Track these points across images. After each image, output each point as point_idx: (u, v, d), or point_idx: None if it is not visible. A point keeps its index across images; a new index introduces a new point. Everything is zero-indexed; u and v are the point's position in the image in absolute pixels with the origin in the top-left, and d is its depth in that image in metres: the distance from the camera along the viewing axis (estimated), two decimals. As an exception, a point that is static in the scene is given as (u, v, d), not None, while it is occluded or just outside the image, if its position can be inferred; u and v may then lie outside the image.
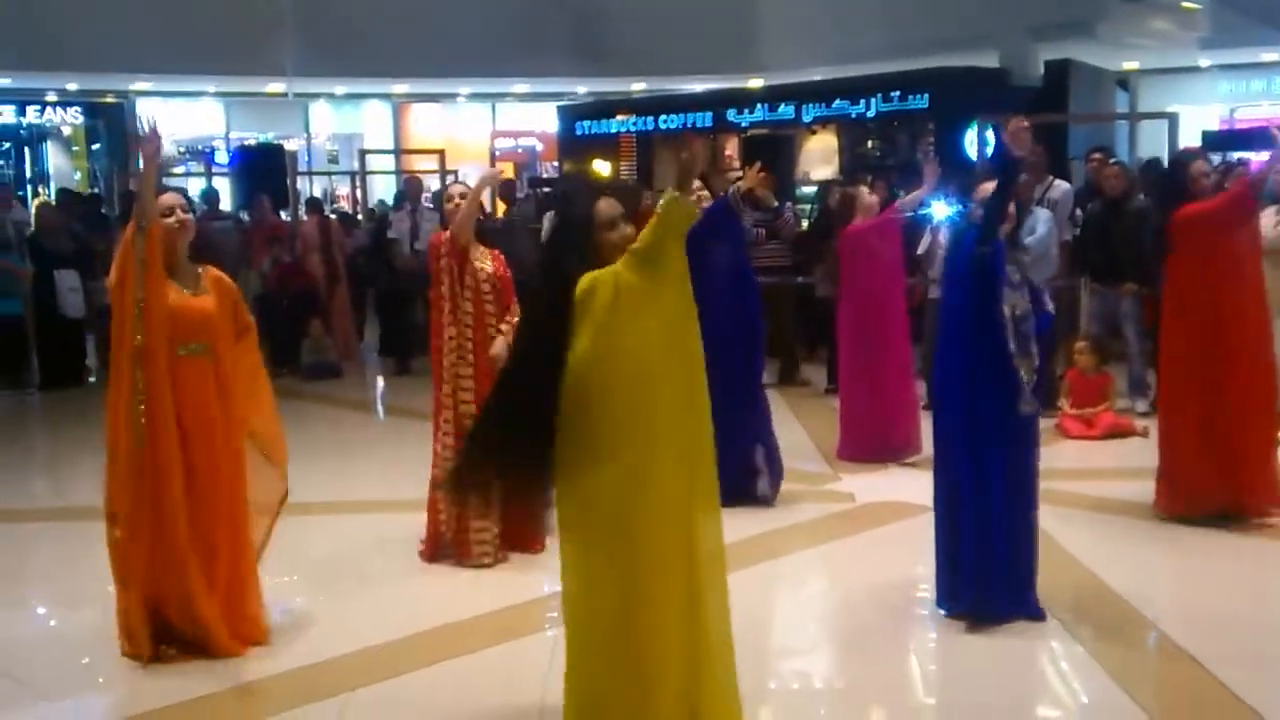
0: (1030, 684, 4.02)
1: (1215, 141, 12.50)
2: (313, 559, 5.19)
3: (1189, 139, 12.44)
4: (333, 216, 12.82)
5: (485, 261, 5.09)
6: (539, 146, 21.41)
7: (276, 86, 18.56)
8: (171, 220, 4.06)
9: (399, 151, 19.18)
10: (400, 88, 20.57)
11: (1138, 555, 5.16)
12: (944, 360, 4.45)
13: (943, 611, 4.33)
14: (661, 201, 3.00)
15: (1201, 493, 5.37)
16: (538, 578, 4.77)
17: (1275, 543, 5.20)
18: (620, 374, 3.00)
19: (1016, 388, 4.20)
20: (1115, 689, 3.79)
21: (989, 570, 4.25)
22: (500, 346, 4.98)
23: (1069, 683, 4.00)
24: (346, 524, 5.83)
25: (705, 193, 6.00)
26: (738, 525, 5.39)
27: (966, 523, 4.26)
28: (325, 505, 6.07)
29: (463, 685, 3.92)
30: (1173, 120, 10.65)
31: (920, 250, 7.89)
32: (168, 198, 4.14)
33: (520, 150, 21.75)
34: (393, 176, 16.69)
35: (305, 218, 11.72)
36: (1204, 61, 17.07)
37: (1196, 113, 15.95)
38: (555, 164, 18.21)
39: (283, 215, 11.93)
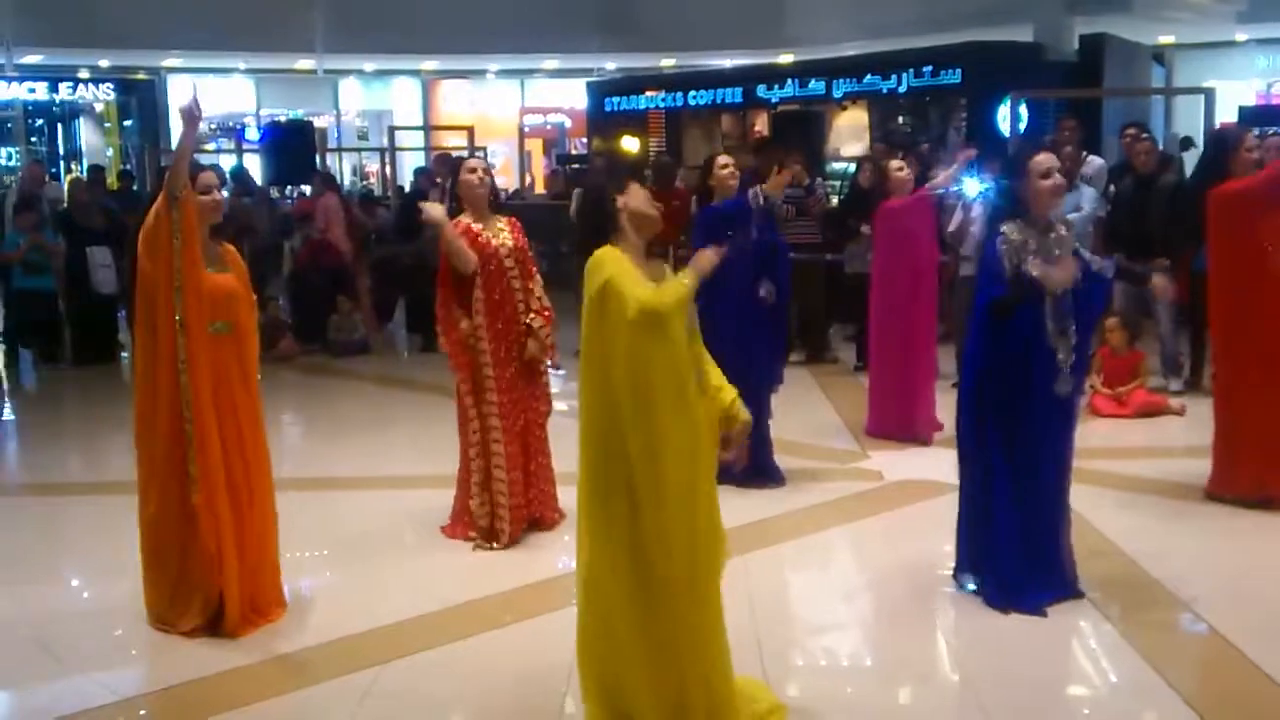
0: (1059, 663, 3.99)
1: (1252, 117, 12.27)
2: (340, 534, 5.22)
3: (1225, 114, 12.24)
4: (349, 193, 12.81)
5: (504, 235, 5.06)
6: (568, 123, 21.37)
7: (306, 63, 18.63)
8: (208, 198, 4.07)
9: (428, 128, 19.20)
10: (429, 64, 20.58)
11: (1170, 535, 5.11)
12: (976, 336, 4.39)
13: (970, 588, 4.31)
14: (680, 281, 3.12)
15: (1265, 472, 5.28)
16: (558, 554, 4.79)
17: (1311, 523, 5.14)
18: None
19: (1051, 367, 4.15)
20: (1146, 669, 3.76)
21: (1019, 551, 4.22)
22: (534, 349, 4.98)
23: (1098, 662, 3.98)
24: (374, 499, 5.85)
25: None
26: (764, 503, 5.43)
27: (995, 503, 4.22)
28: (353, 481, 6.12)
29: (489, 661, 3.94)
30: (1209, 95, 10.48)
31: (951, 228, 7.82)
32: (206, 176, 4.14)
33: (549, 126, 21.72)
34: (422, 153, 16.72)
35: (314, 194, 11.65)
36: (1241, 35, 16.77)
37: (1233, 87, 15.67)
38: (584, 140, 18.17)
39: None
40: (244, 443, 4.11)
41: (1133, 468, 6.02)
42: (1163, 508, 5.44)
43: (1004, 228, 4.20)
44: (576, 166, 13.51)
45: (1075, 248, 4.30)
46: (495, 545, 4.95)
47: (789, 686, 3.67)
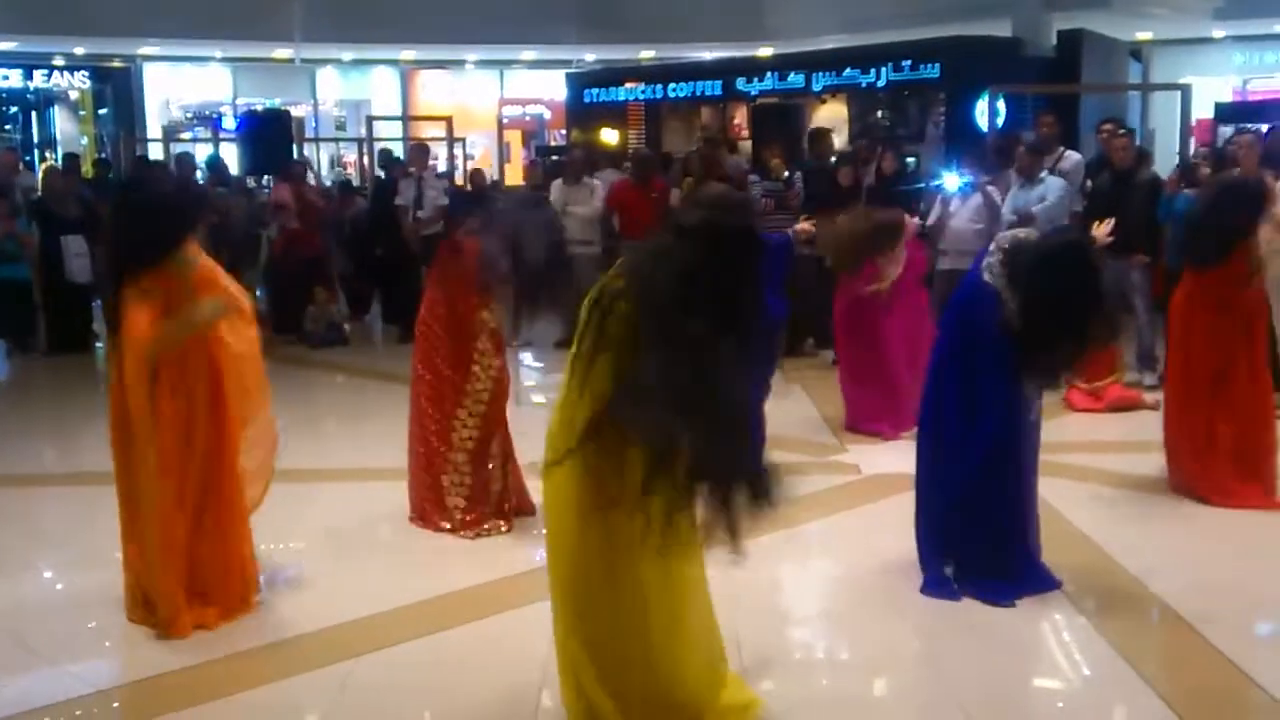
0: (1033, 655, 4.03)
1: (1228, 113, 12.39)
2: (316, 526, 5.20)
3: (1201, 110, 12.35)
4: (314, 183, 12.65)
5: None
6: (547, 114, 21.31)
7: (284, 52, 18.48)
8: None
9: (407, 118, 19.11)
10: (408, 54, 20.47)
11: (1143, 528, 5.15)
12: (946, 343, 4.42)
13: (933, 590, 4.33)
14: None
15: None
16: (535, 548, 4.78)
17: (1281, 517, 5.19)
18: None
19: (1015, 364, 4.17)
20: (1118, 660, 3.80)
21: (991, 548, 4.27)
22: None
23: (1071, 654, 4.01)
24: (350, 492, 5.84)
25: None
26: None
27: (961, 497, 4.26)
28: (329, 473, 6.09)
29: (467, 653, 3.94)
30: (1185, 91, 10.56)
31: (929, 221, 7.86)
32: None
33: (528, 118, 21.66)
34: (400, 143, 16.65)
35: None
36: (1217, 32, 16.89)
37: (1209, 84, 15.80)
38: (563, 132, 18.13)
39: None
40: (198, 438, 4.07)
41: (1107, 462, 6.07)
42: (1136, 501, 5.49)
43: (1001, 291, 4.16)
44: (556, 158, 13.47)
45: None
46: (504, 527, 5.04)
47: (765, 680, 3.68)
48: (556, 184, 9.76)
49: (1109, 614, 4.18)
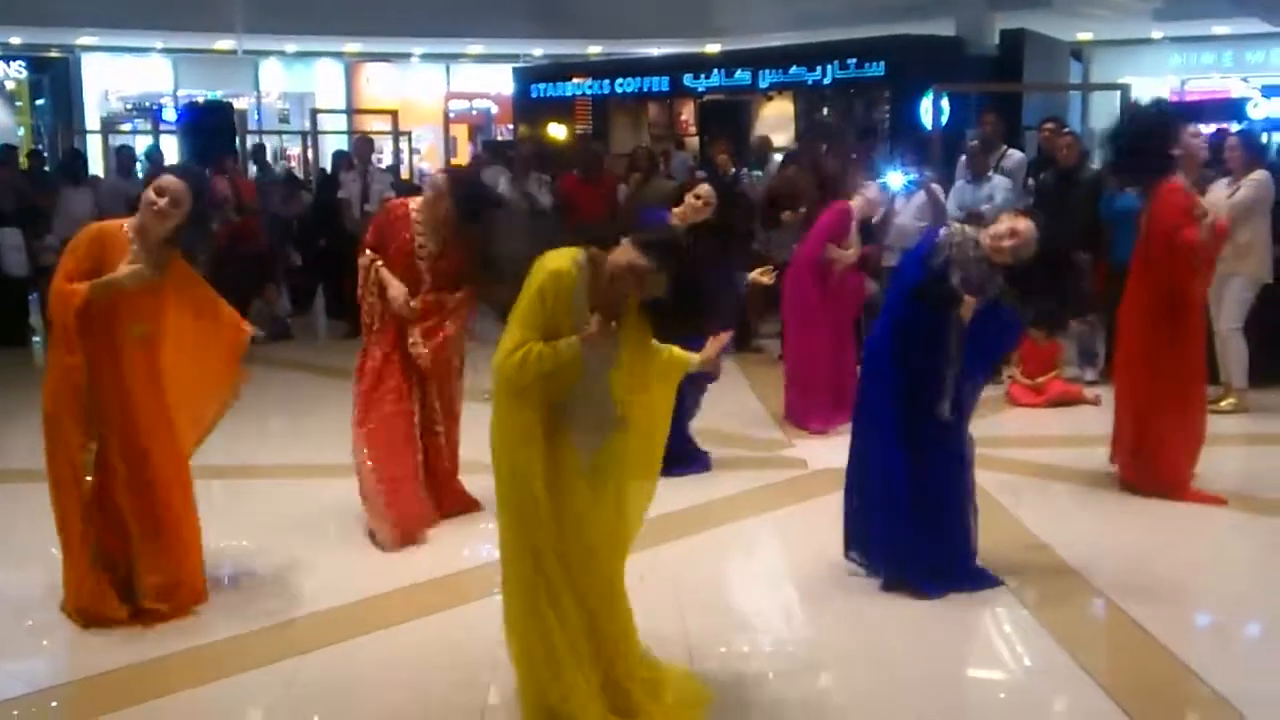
0: (976, 648, 4.08)
1: (1166, 113, 12.63)
2: (262, 522, 5.13)
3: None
4: (250, 176, 12.45)
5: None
6: (494, 109, 21.20)
7: (226, 43, 18.22)
8: (159, 206, 3.92)
9: (351, 111, 18.90)
10: (353, 46, 20.26)
11: (1084, 521, 5.24)
12: (880, 330, 4.46)
13: (868, 575, 4.38)
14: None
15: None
16: (482, 542, 4.76)
17: (1226, 510, 5.30)
18: None
19: (939, 380, 4.21)
20: (1060, 653, 3.85)
21: (934, 542, 4.31)
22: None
23: (1014, 646, 4.06)
24: (296, 488, 5.77)
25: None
26: (689, 492, 5.45)
27: (893, 493, 4.29)
28: (274, 469, 6.02)
29: (415, 649, 3.91)
30: (1125, 91, 10.74)
31: (875, 219, 7.92)
32: (165, 183, 3.95)
33: (475, 112, 21.54)
34: (345, 137, 16.47)
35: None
36: (1156, 33, 17.23)
37: (1148, 84, 16.11)
38: (510, 126, 18.04)
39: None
40: (140, 433, 4.01)
41: (1048, 456, 6.16)
42: (1077, 494, 5.58)
43: (960, 226, 4.24)
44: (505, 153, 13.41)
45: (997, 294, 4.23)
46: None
47: (713, 673, 3.69)
48: (503, 179, 9.70)
49: (1051, 606, 4.24)
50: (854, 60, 13.16)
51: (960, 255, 4.15)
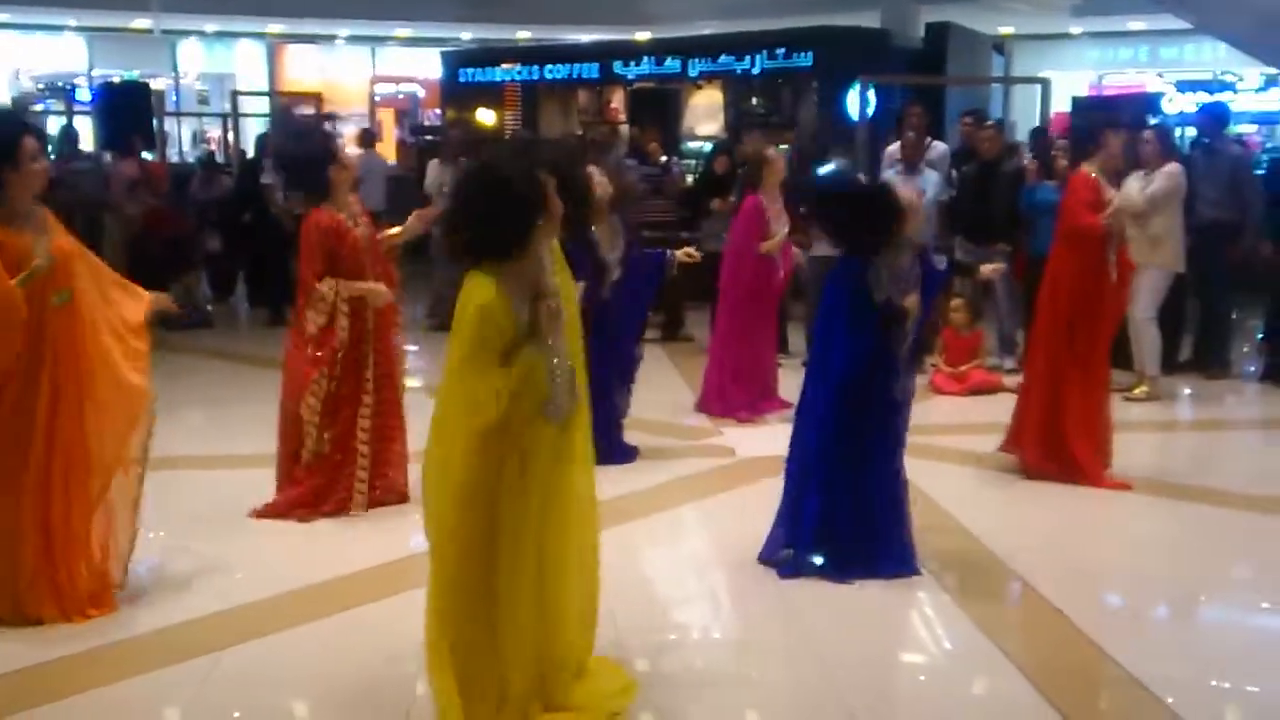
0: (899, 632, 4.14)
1: (1084, 107, 12.90)
2: (181, 514, 5.02)
3: (1060, 104, 12.83)
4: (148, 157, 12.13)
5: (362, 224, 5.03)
6: (421, 93, 20.93)
7: (142, 22, 17.72)
8: (36, 166, 3.84)
9: (274, 94, 18.52)
10: (275, 27, 19.85)
11: (1003, 507, 5.35)
12: (822, 321, 4.52)
13: (810, 572, 4.41)
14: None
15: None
16: (407, 534, 4.72)
17: (1136, 495, 5.44)
18: None
19: (893, 369, 4.31)
20: (980, 636, 3.93)
21: (859, 529, 4.38)
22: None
23: (935, 630, 4.13)
24: (216, 479, 5.66)
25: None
26: (618, 480, 5.44)
27: (832, 482, 4.36)
28: (193, 460, 5.88)
29: (337, 643, 3.86)
30: (1045, 85, 10.96)
31: (805, 210, 7.96)
32: (30, 144, 3.87)
33: (401, 96, 21.24)
34: (267, 120, 16.13)
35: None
36: (1075, 29, 17.58)
37: (1067, 78, 16.44)
38: (438, 111, 17.83)
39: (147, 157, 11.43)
40: (56, 429, 3.89)
41: (970, 443, 6.27)
42: (997, 481, 5.69)
43: (876, 260, 4.29)
44: (430, 138, 13.22)
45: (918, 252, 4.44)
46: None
47: (641, 662, 3.70)
48: (433, 164, 9.59)
49: (971, 591, 4.32)
50: (783, 50, 13.22)
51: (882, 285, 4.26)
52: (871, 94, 10.85)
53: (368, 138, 11.40)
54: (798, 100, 13.19)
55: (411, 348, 8.70)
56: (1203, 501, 5.40)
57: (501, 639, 3.09)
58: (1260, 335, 8.34)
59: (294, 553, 4.69)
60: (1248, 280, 8.14)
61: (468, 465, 2.98)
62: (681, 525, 5.24)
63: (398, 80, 21.28)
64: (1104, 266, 5.55)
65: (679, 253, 5.91)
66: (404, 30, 19.94)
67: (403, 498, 5.14)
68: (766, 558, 4.51)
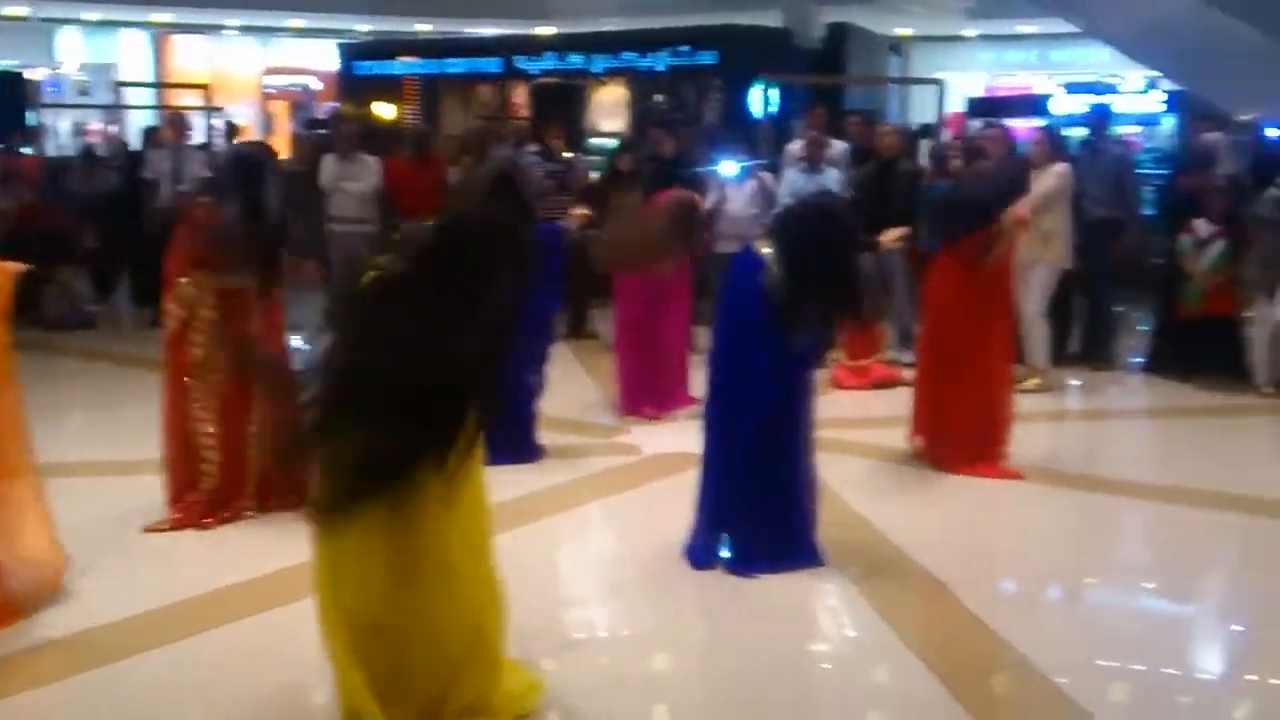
0: (804, 624, 4.18)
1: (979, 108, 13.23)
2: (66, 524, 4.78)
3: (955, 104, 13.13)
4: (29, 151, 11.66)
5: None
6: (317, 85, 20.49)
7: (17, 9, 16.98)
8: None
9: (159, 85, 17.93)
10: (161, 16, 19.19)
11: (904, 499, 5.44)
12: (722, 317, 4.52)
13: (714, 564, 4.43)
14: None
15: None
16: (300, 542, 4.58)
17: (1030, 484, 5.59)
18: None
19: (797, 339, 4.33)
20: (883, 626, 3.99)
21: (765, 523, 4.41)
22: None
23: (840, 621, 4.19)
24: (102, 486, 5.45)
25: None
26: (525, 480, 5.39)
27: (746, 476, 4.38)
28: (75, 467, 5.64)
29: (229, 655, 3.75)
30: (941, 86, 11.19)
31: (708, 205, 8.00)
32: None
33: (293, 89, 20.76)
34: (152, 112, 15.62)
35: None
36: (969, 31, 18.00)
37: (962, 79, 16.83)
38: (334, 104, 17.48)
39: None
40: None
41: (872, 436, 6.36)
42: (898, 473, 5.79)
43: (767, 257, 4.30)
44: (324, 131, 12.92)
45: None
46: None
47: (547, 661, 3.67)
48: (328, 159, 9.36)
49: (873, 581, 4.37)
50: (687, 48, 13.27)
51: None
52: (775, 93, 10.95)
53: (231, 130, 11.01)
54: (701, 98, 13.25)
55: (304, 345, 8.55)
56: (1093, 490, 5.56)
57: (405, 642, 3.02)
58: (1144, 328, 8.64)
59: (192, 560, 4.55)
60: (1132, 276, 8.42)
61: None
62: (588, 523, 5.21)
63: (292, 72, 20.79)
64: (988, 264, 5.70)
65: (574, 213, 5.80)
66: (298, 21, 19.47)
67: (299, 500, 5.00)
68: (687, 548, 4.50)
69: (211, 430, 4.85)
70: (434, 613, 3.05)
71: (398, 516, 2.96)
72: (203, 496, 4.87)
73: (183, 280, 4.78)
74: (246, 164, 5.09)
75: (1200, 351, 7.58)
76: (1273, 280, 7.16)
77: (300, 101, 20.54)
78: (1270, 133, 8.91)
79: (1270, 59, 9.97)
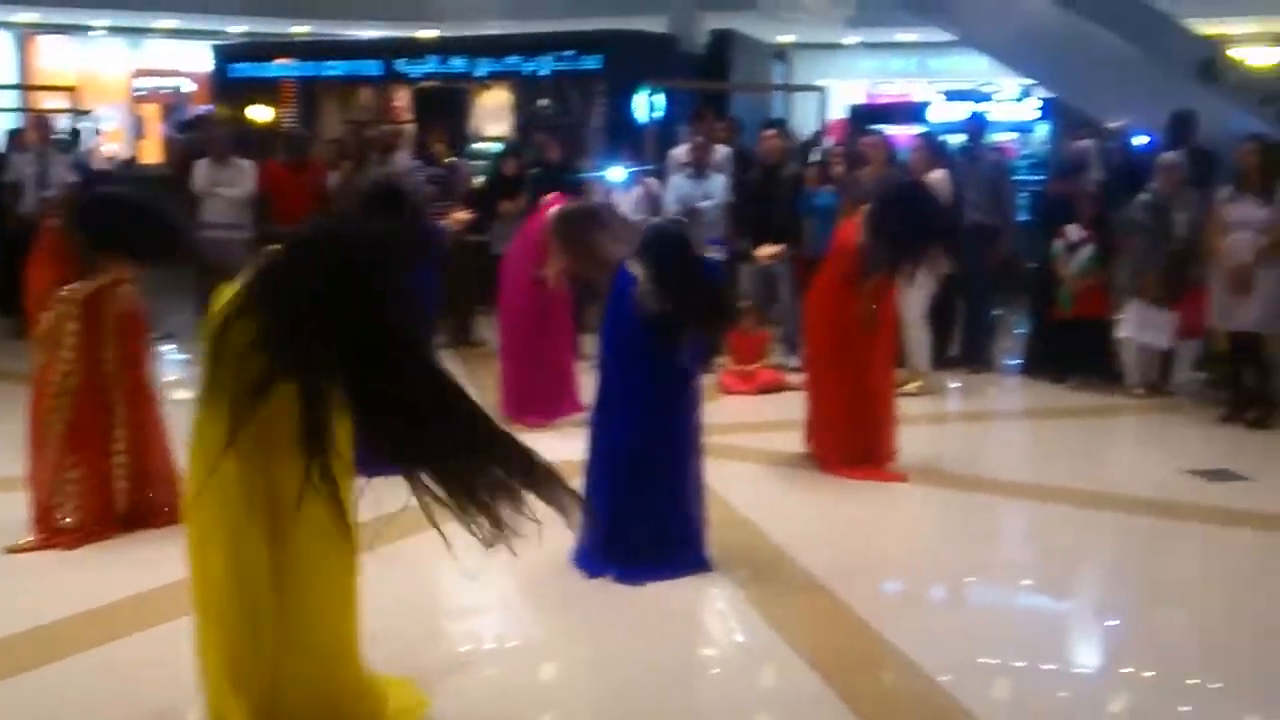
0: (691, 630, 4.16)
1: (861, 115, 13.47)
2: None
3: (837, 111, 13.35)
4: None
5: None
6: (190, 87, 19.84)
7: None
8: None
9: (24, 87, 17.14)
10: (26, 16, 18.37)
11: (789, 503, 5.46)
12: (605, 326, 4.49)
13: (606, 574, 4.38)
14: None
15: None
16: (173, 562, 4.38)
17: (913, 486, 5.66)
18: None
19: (676, 352, 4.33)
20: (769, 630, 3.99)
21: (652, 531, 4.38)
22: None
23: (726, 626, 4.18)
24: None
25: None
26: (404, 493, 5.23)
27: (632, 484, 4.35)
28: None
29: (97, 679, 3.56)
30: (823, 93, 11.36)
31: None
32: None
33: (164, 91, 20.07)
34: (15, 115, 14.91)
35: None
36: (850, 39, 18.34)
37: (844, 86, 17.14)
38: (207, 107, 16.95)
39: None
40: None
41: (759, 441, 6.38)
42: (784, 477, 5.81)
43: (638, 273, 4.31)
44: (197, 135, 12.52)
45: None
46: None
47: (433, 675, 3.57)
48: (202, 163, 9.04)
49: (760, 586, 4.38)
50: (572, 53, 13.22)
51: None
52: (660, 98, 10.98)
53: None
54: (586, 103, 13.21)
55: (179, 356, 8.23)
56: (973, 490, 5.66)
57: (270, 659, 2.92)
58: (1021, 331, 8.88)
59: (54, 583, 4.32)
60: (1009, 280, 8.64)
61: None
62: (467, 535, 5.09)
63: (164, 74, 20.10)
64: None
65: (455, 216, 5.72)
66: (169, 22, 18.84)
67: (170, 519, 4.79)
68: (576, 557, 4.45)
69: (73, 465, 4.61)
70: (303, 625, 2.95)
71: (262, 529, 2.87)
72: (66, 529, 4.64)
73: (61, 291, 4.53)
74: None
75: (1073, 353, 7.81)
76: (1143, 284, 7.40)
77: (172, 104, 19.87)
78: (1137, 140, 9.24)
79: (1135, 67, 10.39)
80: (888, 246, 5.42)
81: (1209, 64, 11.19)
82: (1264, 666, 3.82)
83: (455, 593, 4.48)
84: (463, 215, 5.63)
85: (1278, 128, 9.28)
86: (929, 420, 7.07)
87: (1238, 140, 7.21)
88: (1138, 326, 7.44)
